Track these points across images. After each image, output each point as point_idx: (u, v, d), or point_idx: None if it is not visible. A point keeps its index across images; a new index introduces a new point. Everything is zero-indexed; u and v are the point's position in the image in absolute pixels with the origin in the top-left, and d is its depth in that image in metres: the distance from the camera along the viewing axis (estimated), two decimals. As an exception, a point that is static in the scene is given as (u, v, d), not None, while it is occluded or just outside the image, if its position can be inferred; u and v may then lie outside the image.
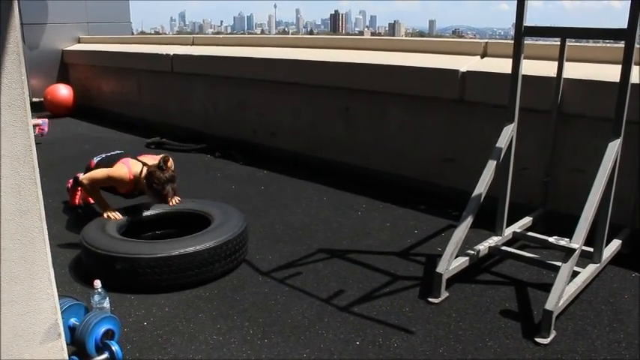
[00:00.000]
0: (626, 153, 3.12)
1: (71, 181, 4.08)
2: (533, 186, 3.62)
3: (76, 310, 2.40)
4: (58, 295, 2.44)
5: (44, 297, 1.99)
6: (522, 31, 2.86)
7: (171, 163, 3.34)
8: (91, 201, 3.84)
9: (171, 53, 6.45)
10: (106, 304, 2.48)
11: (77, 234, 3.55)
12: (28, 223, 1.90)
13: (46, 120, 6.25)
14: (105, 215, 3.32)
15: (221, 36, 6.51)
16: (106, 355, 2.23)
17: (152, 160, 3.44)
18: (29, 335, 1.98)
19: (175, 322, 2.57)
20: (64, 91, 7.93)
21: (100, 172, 3.47)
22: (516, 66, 2.92)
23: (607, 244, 3.03)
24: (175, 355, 2.32)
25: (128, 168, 3.42)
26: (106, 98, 7.84)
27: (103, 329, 2.28)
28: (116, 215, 3.32)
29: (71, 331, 2.35)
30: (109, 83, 7.81)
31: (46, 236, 1.95)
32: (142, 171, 3.37)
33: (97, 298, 2.45)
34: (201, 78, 6.21)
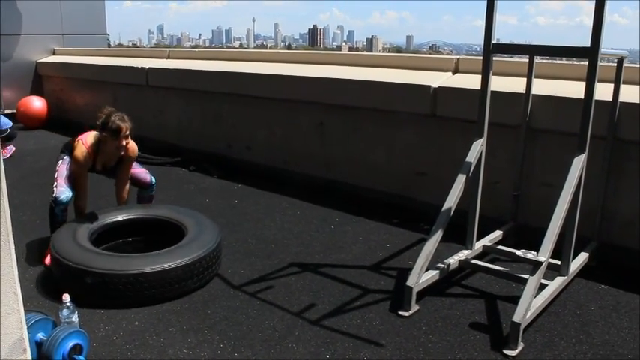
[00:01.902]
0: (593, 167, 3.21)
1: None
2: (504, 200, 3.68)
3: (43, 324, 2.37)
4: (26, 310, 2.40)
5: (9, 311, 1.96)
6: (491, 49, 2.93)
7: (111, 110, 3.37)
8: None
9: (147, 66, 6.44)
10: (75, 318, 2.45)
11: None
12: (-7, 237, 1.88)
13: (14, 148, 6.21)
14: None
15: (197, 50, 6.54)
16: (72, 370, 2.20)
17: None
18: (-6, 351, 1.95)
19: (145, 336, 2.55)
20: (37, 103, 7.85)
21: (74, 167, 3.45)
22: (485, 82, 2.99)
23: (574, 257, 3.09)
24: (144, 370, 2.30)
25: (83, 141, 3.43)
26: (81, 111, 7.77)
27: (70, 344, 2.26)
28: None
29: (38, 346, 2.31)
30: (83, 96, 7.74)
31: (13, 249, 1.93)
32: (97, 138, 3.38)
33: (65, 312, 2.42)
34: (176, 92, 6.20)
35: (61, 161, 3.56)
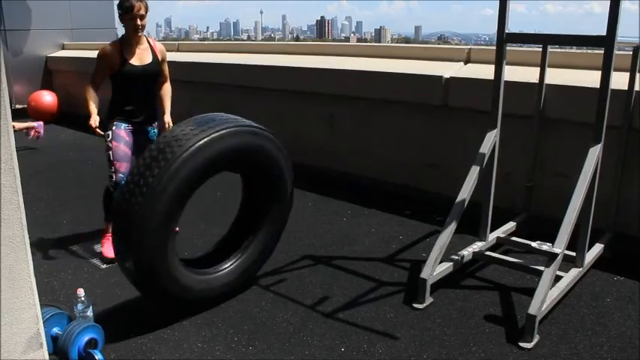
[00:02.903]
0: (608, 157, 3.17)
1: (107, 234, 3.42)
2: (517, 191, 3.65)
3: (58, 319, 2.39)
4: (41, 305, 2.42)
5: (25, 307, 1.97)
6: (504, 38, 2.89)
7: None
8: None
9: (157, 60, 6.42)
10: (90, 312, 2.46)
11: (62, 243, 3.55)
12: (9, 232, 1.88)
13: (41, 123, 6.17)
14: (92, 125, 3.15)
15: (206, 42, 6.52)
16: (88, 364, 2.22)
17: None
18: (11, 346, 1.96)
19: (159, 330, 2.55)
20: (47, 98, 7.87)
21: (95, 70, 3.32)
22: (499, 73, 2.95)
23: (589, 249, 3.06)
24: (160, 364, 2.31)
25: (107, 44, 3.30)
26: (91, 105, 7.78)
27: (86, 338, 2.27)
28: (94, 123, 3.17)
29: (54, 340, 2.33)
30: (93, 90, 7.74)
31: (28, 245, 1.93)
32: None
33: (80, 306, 2.43)
34: (185, 84, 6.17)
35: (108, 142, 3.32)
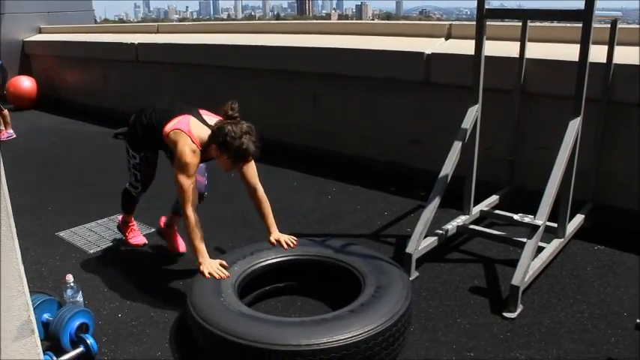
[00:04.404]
0: (587, 130, 3.22)
1: (120, 217, 3.30)
2: (499, 165, 3.70)
3: (49, 305, 2.39)
4: (31, 291, 2.43)
5: (15, 294, 1.98)
6: (484, 13, 2.90)
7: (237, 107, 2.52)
8: (180, 249, 3.16)
9: (136, 42, 6.35)
10: (79, 298, 2.47)
11: (48, 229, 3.54)
12: (-5, 221, 1.88)
13: (14, 135, 6.11)
14: (205, 273, 2.38)
15: (186, 23, 6.46)
16: (81, 348, 2.23)
17: (213, 117, 2.65)
18: (2, 333, 1.97)
19: (150, 312, 2.58)
20: (26, 83, 7.76)
21: (180, 175, 2.51)
22: (479, 48, 2.97)
23: (571, 219, 3.13)
24: (151, 345, 2.33)
25: (190, 136, 2.54)
26: (72, 89, 7.69)
27: (77, 323, 2.28)
28: (222, 273, 2.38)
29: (45, 326, 2.34)
30: (73, 74, 7.65)
31: (14, 233, 1.93)
32: (203, 130, 2.57)
33: (69, 292, 2.44)
34: (167, 66, 6.13)
35: (136, 163, 2.98)
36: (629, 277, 2.79)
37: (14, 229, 1.93)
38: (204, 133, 2.56)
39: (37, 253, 3.23)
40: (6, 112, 6.04)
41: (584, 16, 2.58)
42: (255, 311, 2.19)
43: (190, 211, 2.51)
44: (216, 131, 2.46)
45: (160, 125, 2.67)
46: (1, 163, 1.89)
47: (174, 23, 6.91)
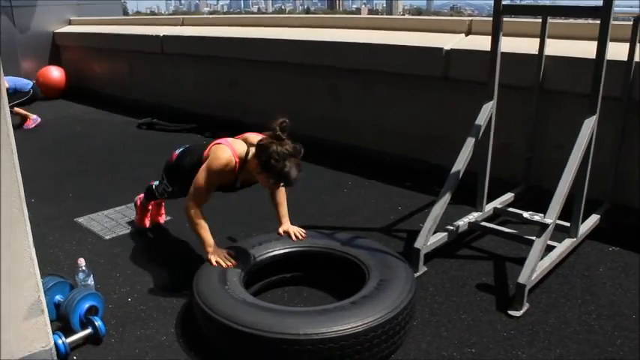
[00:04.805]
0: (607, 129, 3.17)
1: (141, 196, 3.34)
2: (517, 162, 3.66)
3: (61, 287, 2.46)
4: (44, 274, 2.51)
5: (26, 275, 2.05)
6: (501, 10, 2.87)
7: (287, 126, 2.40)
8: (161, 221, 3.40)
9: (161, 34, 6.44)
10: (90, 281, 2.53)
11: (68, 215, 3.63)
12: (8, 205, 1.95)
13: (39, 119, 6.27)
14: (213, 261, 2.42)
15: (211, 16, 6.52)
16: (89, 330, 2.30)
17: (255, 136, 2.56)
18: (13, 312, 2.04)
19: (159, 298, 2.63)
20: (55, 73, 7.93)
21: (200, 177, 2.51)
22: (495, 44, 2.94)
23: (585, 219, 3.08)
24: (157, 330, 2.38)
25: (231, 148, 2.52)
26: (99, 80, 7.84)
27: (86, 305, 2.34)
28: (229, 261, 2.43)
29: (57, 307, 2.41)
30: (101, 65, 7.80)
31: (27, 217, 2.00)
32: (247, 151, 2.51)
33: (81, 275, 2.51)
34: (191, 58, 6.21)
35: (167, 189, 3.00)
36: (643, 280, 2.74)
37: (27, 214, 2.01)
38: (243, 147, 2.54)
39: (55, 237, 3.32)
40: (17, 109, 6.11)
41: (603, 12, 2.54)
42: (258, 300, 2.22)
43: (194, 207, 2.53)
44: (260, 149, 2.35)
45: (199, 156, 2.65)
46: (15, 151, 1.96)
47: (199, 16, 6.98)
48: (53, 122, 6.39)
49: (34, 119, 6.18)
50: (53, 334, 2.17)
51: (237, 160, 2.51)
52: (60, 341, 2.19)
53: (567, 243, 2.86)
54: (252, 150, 2.46)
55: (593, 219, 3.14)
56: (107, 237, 3.32)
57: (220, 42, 5.75)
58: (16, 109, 6.02)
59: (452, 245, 3.09)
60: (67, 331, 2.28)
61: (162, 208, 3.45)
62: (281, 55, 5.12)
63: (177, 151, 2.93)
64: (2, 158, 1.91)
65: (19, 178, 1.96)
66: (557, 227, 2.94)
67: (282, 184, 2.43)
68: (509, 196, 3.47)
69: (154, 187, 3.18)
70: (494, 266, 2.90)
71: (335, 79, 4.78)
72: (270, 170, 2.33)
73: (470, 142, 2.98)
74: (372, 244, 2.60)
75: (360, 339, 1.99)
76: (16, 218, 1.98)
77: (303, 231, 2.72)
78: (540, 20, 3.30)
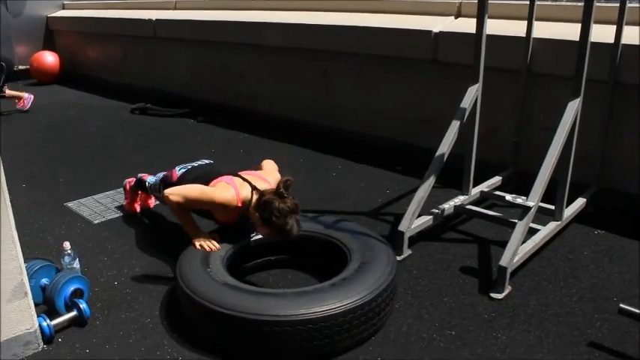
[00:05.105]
0: (594, 112, 3.17)
1: (131, 180, 3.37)
2: (505, 146, 3.67)
3: (47, 270, 2.48)
4: (31, 257, 2.53)
5: (9, 258, 2.07)
6: (486, -9, 2.86)
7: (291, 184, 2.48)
8: (151, 205, 3.46)
9: (154, 18, 6.41)
10: (76, 264, 2.56)
11: (58, 200, 3.64)
12: (-13, 189, 1.96)
13: (31, 96, 6.23)
14: (197, 245, 2.49)
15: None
16: (74, 312, 2.32)
17: (259, 179, 2.65)
18: (-3, 295, 2.07)
19: (145, 281, 2.66)
20: (50, 58, 7.89)
21: (197, 191, 2.58)
22: (480, 26, 2.93)
23: (572, 203, 3.10)
24: (142, 312, 2.41)
25: (236, 191, 2.54)
26: (93, 64, 7.82)
27: (71, 288, 2.37)
28: (212, 245, 2.49)
29: (43, 290, 2.43)
30: (94, 49, 7.77)
31: (7, 199, 2.01)
32: (251, 198, 2.53)
33: (67, 259, 2.53)
34: (183, 42, 6.18)
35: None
36: (626, 263, 2.75)
37: (7, 196, 2.02)
38: (248, 192, 2.56)
39: (44, 222, 3.34)
40: (8, 92, 6.07)
41: (586, -6, 2.52)
42: (239, 282, 2.24)
43: (175, 201, 2.57)
44: (263, 205, 2.40)
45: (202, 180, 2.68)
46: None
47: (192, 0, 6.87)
48: (47, 107, 6.37)
49: (27, 98, 6.14)
50: (38, 316, 2.20)
51: (240, 205, 2.54)
52: (45, 323, 2.21)
53: (552, 226, 2.87)
54: (255, 197, 2.51)
55: (580, 202, 3.15)
56: (96, 221, 3.33)
57: (212, 25, 5.72)
58: (8, 91, 6.00)
59: (438, 229, 3.10)
60: (53, 313, 2.30)
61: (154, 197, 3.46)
62: (272, 39, 5.10)
63: (179, 171, 2.89)
64: (-18, 142, 1.92)
65: (0, 162, 1.97)
66: (543, 210, 2.96)
67: (277, 235, 2.43)
68: (496, 180, 3.48)
69: (147, 184, 3.15)
70: (479, 249, 2.92)
71: (325, 62, 4.77)
72: (272, 226, 2.38)
73: (455, 124, 2.98)
74: (355, 227, 2.62)
75: (338, 320, 2.02)
76: (-2, 202, 1.99)
77: None
78: (528, 2, 3.29)
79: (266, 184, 2.61)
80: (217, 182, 2.61)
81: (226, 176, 2.64)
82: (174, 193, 2.59)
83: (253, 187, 2.56)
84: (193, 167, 2.89)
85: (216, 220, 2.72)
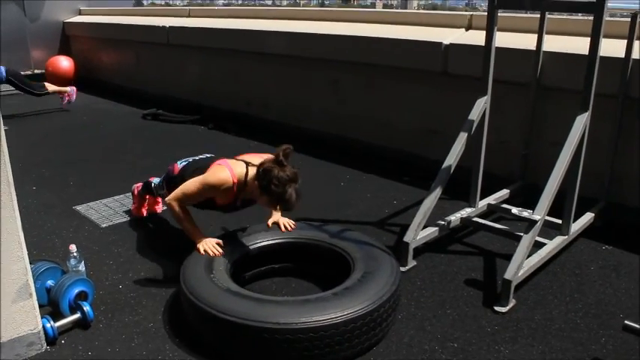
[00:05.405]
0: (603, 127, 3.15)
1: (139, 185, 3.38)
2: (514, 159, 3.65)
3: (52, 272, 2.50)
4: (38, 259, 2.55)
5: (14, 259, 2.09)
6: (495, 4, 2.86)
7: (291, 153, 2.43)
8: (158, 211, 3.47)
9: (167, 25, 6.47)
10: (82, 267, 2.57)
11: (67, 203, 3.68)
12: (-4, 190, 1.98)
13: (74, 88, 6.40)
14: (201, 250, 2.48)
15: (217, 8, 6.52)
16: (78, 315, 2.34)
17: (254, 156, 2.65)
18: (1, 295, 2.08)
19: (149, 285, 2.67)
20: (65, 63, 7.97)
21: (192, 185, 2.58)
22: (489, 39, 2.93)
23: (580, 217, 3.07)
24: (145, 316, 2.42)
25: (230, 169, 2.58)
26: (107, 70, 7.90)
27: (76, 291, 2.38)
28: (216, 250, 2.49)
29: (48, 292, 2.45)
30: (109, 55, 7.85)
31: (15, 201, 2.04)
32: (247, 172, 2.55)
33: (72, 261, 2.55)
34: (195, 50, 6.24)
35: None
36: (633, 279, 2.72)
37: (15, 198, 2.04)
38: (242, 168, 2.57)
39: (53, 224, 3.37)
40: (51, 88, 6.22)
41: (596, 8, 2.52)
42: (242, 289, 2.24)
43: (176, 206, 2.60)
44: (262, 173, 2.38)
45: (202, 173, 2.66)
46: (3, 136, 1.99)
47: (205, 7, 6.97)
48: (60, 112, 6.44)
49: (70, 91, 6.29)
50: (42, 317, 2.22)
51: (236, 181, 2.55)
52: (48, 325, 2.23)
53: (558, 240, 2.85)
54: (252, 171, 2.50)
55: (588, 217, 3.13)
56: (103, 225, 3.36)
57: (225, 34, 5.76)
58: (51, 87, 6.14)
59: (443, 240, 3.09)
60: (57, 315, 2.32)
61: (159, 197, 3.48)
62: (283, 48, 5.13)
63: (180, 164, 2.94)
64: (-10, 144, 1.94)
65: (8, 163, 1.99)
66: (550, 224, 2.95)
67: (277, 206, 2.47)
68: (504, 193, 3.46)
69: (152, 185, 3.21)
70: (485, 262, 2.90)
71: (336, 72, 4.79)
72: (272, 195, 2.37)
73: (462, 136, 2.98)
74: (359, 237, 2.62)
75: (339, 330, 2.01)
76: (5, 203, 2.01)
77: (293, 222, 2.74)
78: (539, 16, 3.29)
79: (262, 160, 2.51)
80: (211, 167, 2.63)
81: (220, 160, 2.66)
82: (174, 197, 2.61)
83: (247, 163, 2.56)
84: (194, 160, 2.92)
85: (217, 207, 2.72)
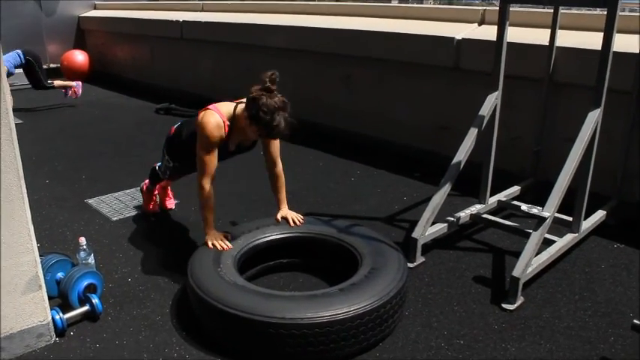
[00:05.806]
0: (616, 123, 3.11)
1: (147, 181, 3.39)
2: (526, 155, 3.62)
3: (62, 265, 2.53)
4: (48, 252, 2.58)
5: (24, 251, 2.11)
6: (507, -1, 2.83)
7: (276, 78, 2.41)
8: (169, 206, 3.46)
9: (181, 20, 6.50)
10: (91, 260, 2.60)
11: (79, 196, 3.71)
12: (6, 182, 2.01)
13: (80, 83, 6.45)
14: (209, 244, 2.49)
15: (230, 2, 6.52)
16: (86, 307, 2.36)
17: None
18: (11, 286, 2.11)
19: (158, 279, 2.69)
20: (80, 57, 8.05)
21: (200, 152, 2.54)
22: (501, 34, 2.90)
23: (592, 215, 3.04)
24: (153, 309, 2.44)
25: (216, 110, 2.55)
26: (121, 64, 7.95)
27: (85, 283, 2.41)
28: (224, 244, 2.48)
29: (58, 284, 2.48)
30: (123, 49, 7.90)
31: (25, 194, 2.06)
32: (235, 107, 2.56)
33: (82, 254, 2.57)
34: (209, 44, 6.25)
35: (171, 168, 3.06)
36: (645, 277, 2.69)
37: (25, 191, 2.06)
38: (230, 107, 2.59)
39: (64, 217, 3.40)
40: (57, 82, 6.26)
41: (609, 2, 2.48)
42: (249, 283, 2.25)
43: (206, 183, 2.56)
44: (250, 101, 2.38)
45: (195, 125, 2.63)
46: (14, 129, 2.01)
47: (218, 2, 6.94)
48: (74, 105, 6.50)
49: (76, 85, 6.31)
50: (51, 309, 2.24)
51: (225, 119, 2.54)
52: (57, 317, 2.26)
53: (568, 238, 2.82)
54: (241, 107, 2.51)
55: (599, 215, 3.09)
56: (114, 218, 3.39)
57: (238, 28, 5.77)
58: (57, 82, 6.19)
59: (453, 237, 3.08)
60: (66, 307, 2.35)
61: (169, 191, 3.50)
62: (296, 43, 5.13)
63: (175, 126, 3.01)
64: (1, 137, 1.96)
65: (18, 156, 2.01)
66: (560, 222, 2.92)
67: (270, 137, 2.50)
68: (515, 189, 3.43)
69: (157, 167, 3.25)
70: (493, 259, 2.88)
71: (348, 67, 4.77)
72: (260, 122, 2.36)
73: (473, 132, 2.96)
74: (367, 233, 2.61)
75: (345, 325, 2.01)
76: (15, 195, 2.04)
77: (301, 217, 2.75)
78: (552, 10, 3.24)
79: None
80: (199, 115, 2.59)
81: (209, 105, 2.63)
82: (200, 176, 2.55)
83: (237, 103, 2.57)
84: (187, 120, 2.97)
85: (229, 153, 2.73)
